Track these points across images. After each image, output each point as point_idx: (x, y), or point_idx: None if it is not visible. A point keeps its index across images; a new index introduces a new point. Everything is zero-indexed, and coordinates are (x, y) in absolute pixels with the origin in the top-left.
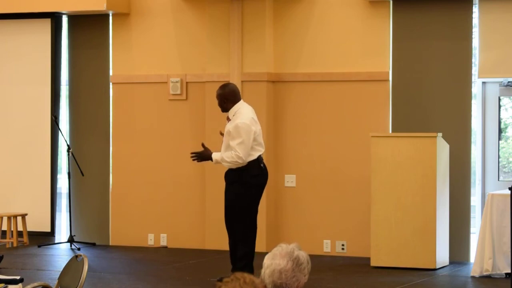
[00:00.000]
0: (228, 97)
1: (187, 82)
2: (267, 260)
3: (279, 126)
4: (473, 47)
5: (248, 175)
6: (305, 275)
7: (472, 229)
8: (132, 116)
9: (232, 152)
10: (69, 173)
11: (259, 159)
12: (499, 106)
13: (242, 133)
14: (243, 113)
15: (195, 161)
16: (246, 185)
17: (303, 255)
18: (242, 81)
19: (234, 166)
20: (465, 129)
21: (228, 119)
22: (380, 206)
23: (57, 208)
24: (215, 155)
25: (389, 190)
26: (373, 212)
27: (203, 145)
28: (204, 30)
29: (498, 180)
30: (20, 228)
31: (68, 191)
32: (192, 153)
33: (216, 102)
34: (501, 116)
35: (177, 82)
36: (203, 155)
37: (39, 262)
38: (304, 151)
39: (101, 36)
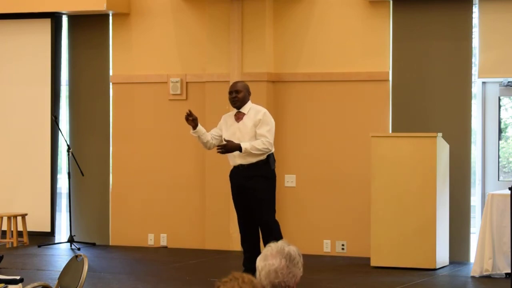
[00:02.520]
0: (249, 90)
1: (187, 82)
2: (260, 263)
3: (279, 126)
4: (473, 47)
5: (268, 168)
6: (300, 269)
7: (472, 229)
8: (132, 116)
9: (263, 139)
10: (69, 173)
11: (274, 155)
12: (499, 106)
13: (269, 122)
14: (260, 106)
15: (220, 153)
16: (268, 179)
17: (293, 249)
18: None
19: (255, 158)
20: (465, 129)
21: (241, 114)
22: (380, 206)
23: (57, 208)
24: (244, 145)
25: (389, 190)
26: (373, 212)
27: (225, 140)
28: (204, 30)
29: (498, 180)
30: (20, 228)
31: (68, 191)
32: (218, 146)
33: (216, 102)
34: (501, 116)
35: (177, 82)
36: (229, 147)
37: (39, 262)
38: (304, 151)
39: (101, 36)
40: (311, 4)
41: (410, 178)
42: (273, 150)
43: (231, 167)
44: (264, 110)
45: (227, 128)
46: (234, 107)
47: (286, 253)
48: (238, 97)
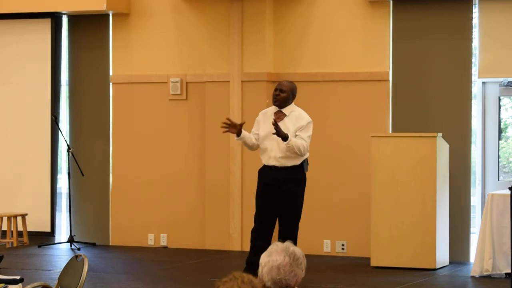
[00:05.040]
0: (295, 93)
1: (187, 82)
2: (264, 259)
3: None
4: (473, 47)
5: (302, 172)
6: (303, 270)
7: (472, 229)
8: (132, 116)
9: (304, 143)
10: (69, 173)
11: (307, 160)
12: (499, 106)
13: (311, 130)
14: (303, 111)
15: (274, 128)
16: (301, 182)
17: (298, 250)
18: (242, 81)
19: (290, 162)
20: (465, 129)
21: (282, 114)
22: (380, 206)
23: (57, 208)
24: (291, 137)
25: (389, 190)
26: (373, 212)
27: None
28: (204, 30)
29: (498, 180)
30: (20, 228)
31: (68, 191)
32: (275, 124)
33: (216, 102)
34: (501, 116)
35: (177, 82)
36: (280, 130)
37: (39, 262)
38: None
39: (101, 36)
40: (311, 4)
41: (410, 178)
42: (308, 155)
43: (262, 165)
44: (308, 119)
45: (264, 125)
46: (274, 104)
47: (290, 252)
48: (280, 96)
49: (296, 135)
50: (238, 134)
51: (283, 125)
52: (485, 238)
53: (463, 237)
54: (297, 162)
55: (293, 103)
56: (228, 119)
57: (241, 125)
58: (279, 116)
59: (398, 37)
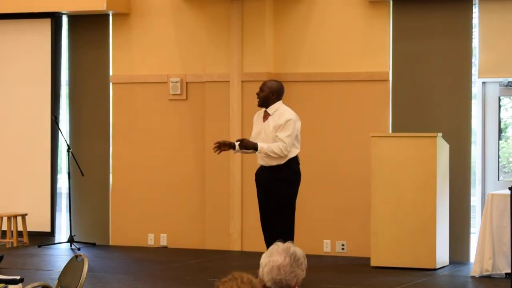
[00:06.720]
0: (278, 92)
1: (187, 82)
2: (264, 259)
3: None
4: (473, 47)
5: (290, 171)
6: (303, 270)
7: (472, 229)
8: (132, 116)
9: (280, 144)
10: (69, 173)
11: (297, 158)
12: (499, 106)
13: (290, 128)
14: (288, 109)
15: (239, 145)
16: (290, 182)
17: (299, 251)
18: (242, 81)
19: (274, 161)
20: (465, 129)
21: (267, 114)
22: (380, 206)
23: (57, 208)
24: (261, 144)
25: (389, 190)
26: (373, 212)
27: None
28: (204, 30)
29: (498, 180)
30: (20, 228)
31: (68, 191)
32: (237, 140)
33: (216, 102)
34: (501, 116)
35: (177, 82)
36: (246, 142)
37: (39, 262)
38: (304, 151)
39: (101, 36)
40: (311, 4)
41: (410, 178)
42: (297, 152)
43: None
44: (288, 117)
45: (256, 125)
46: (258, 105)
47: (291, 252)
48: (260, 95)
49: (276, 136)
50: (234, 148)
51: (267, 126)
52: (485, 238)
53: (463, 237)
54: (281, 161)
55: (279, 102)
56: (216, 142)
57: (230, 143)
58: (265, 116)
59: (398, 37)
